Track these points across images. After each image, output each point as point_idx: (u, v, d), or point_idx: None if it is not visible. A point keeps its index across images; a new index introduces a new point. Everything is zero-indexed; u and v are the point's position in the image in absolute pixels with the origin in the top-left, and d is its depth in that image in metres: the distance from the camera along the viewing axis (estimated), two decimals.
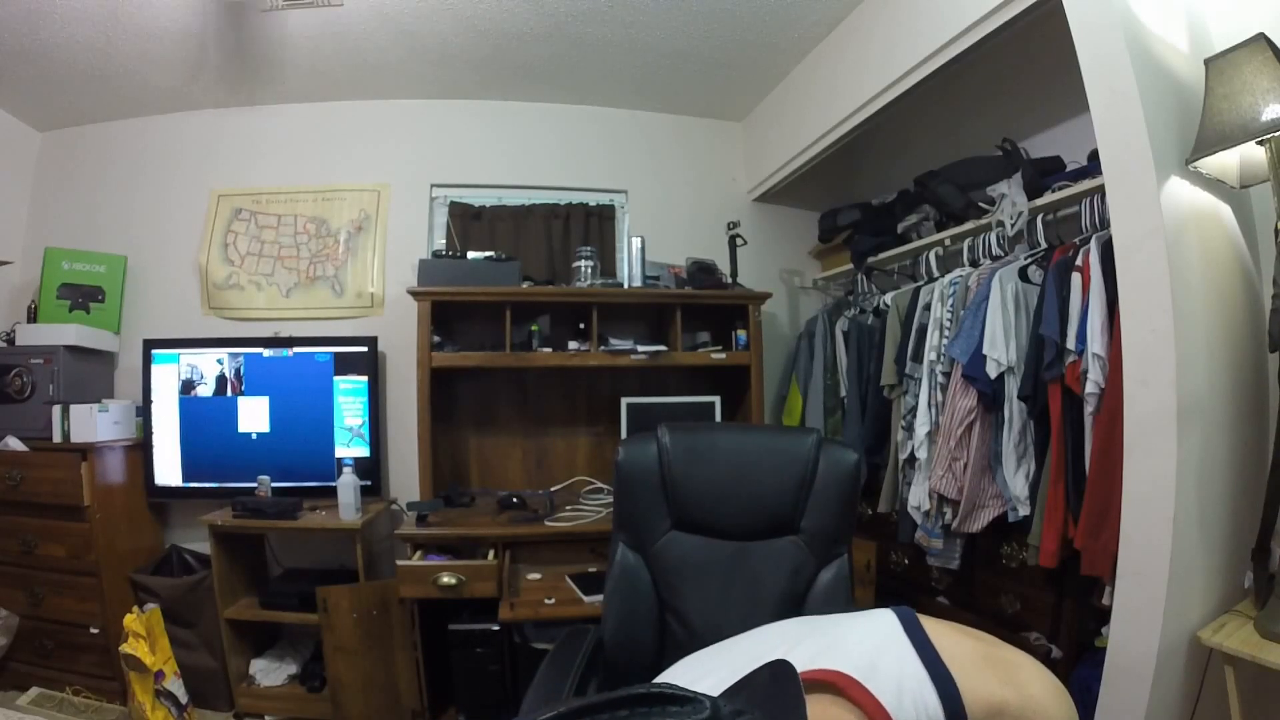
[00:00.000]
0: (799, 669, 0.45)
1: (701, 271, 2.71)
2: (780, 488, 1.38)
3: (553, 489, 2.64)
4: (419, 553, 2.18)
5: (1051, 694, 0.51)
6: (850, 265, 2.91)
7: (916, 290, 2.33)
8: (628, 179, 3.14)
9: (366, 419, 2.69)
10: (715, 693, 0.38)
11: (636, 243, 2.69)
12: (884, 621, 0.54)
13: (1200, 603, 1.40)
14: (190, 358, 2.68)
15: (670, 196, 3.18)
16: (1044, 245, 1.97)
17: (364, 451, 2.68)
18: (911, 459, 2.21)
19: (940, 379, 2.09)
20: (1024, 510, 1.86)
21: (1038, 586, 1.91)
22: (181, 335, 2.75)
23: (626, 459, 1.42)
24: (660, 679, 0.59)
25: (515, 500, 2.40)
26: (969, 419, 1.95)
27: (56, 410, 2.43)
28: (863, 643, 0.53)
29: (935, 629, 0.53)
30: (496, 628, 2.07)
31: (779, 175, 2.99)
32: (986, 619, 2.06)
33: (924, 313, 2.23)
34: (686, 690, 0.35)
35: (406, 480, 2.72)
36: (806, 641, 0.55)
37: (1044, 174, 2.05)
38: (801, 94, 2.74)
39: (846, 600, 1.34)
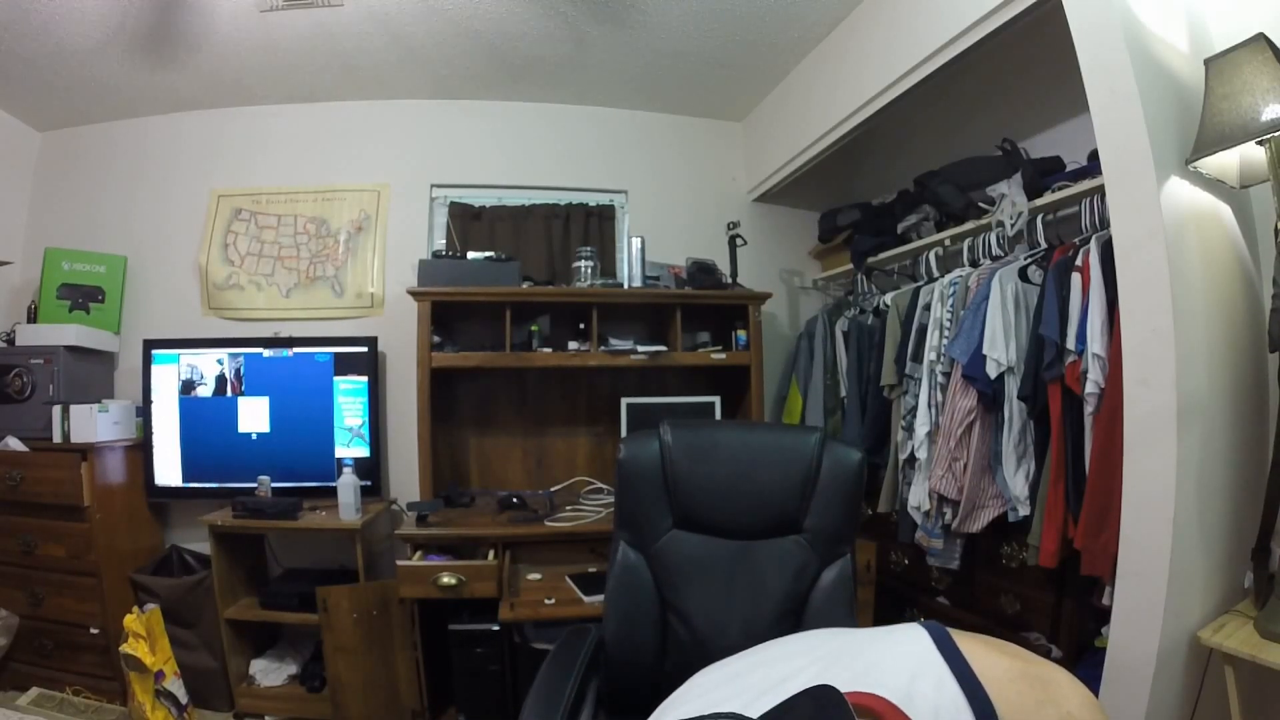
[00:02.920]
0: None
1: (701, 271, 2.71)
2: (783, 486, 1.37)
3: (553, 489, 2.64)
4: (419, 553, 2.18)
5: (1090, 710, 0.51)
6: (850, 265, 2.91)
7: (916, 290, 2.33)
8: (628, 179, 3.14)
9: (366, 419, 2.69)
10: None
11: (636, 243, 2.69)
12: (918, 641, 0.54)
13: (1200, 603, 1.40)
14: (190, 358, 2.68)
15: (670, 197, 3.17)
16: (1044, 245, 1.98)
17: (364, 452, 2.68)
18: (911, 459, 2.21)
19: (940, 379, 2.09)
20: (1024, 510, 1.86)
21: (1038, 586, 1.92)
22: (181, 335, 2.75)
23: (628, 456, 1.41)
24: (673, 700, 0.58)
25: (515, 500, 2.40)
26: (969, 419, 1.95)
27: (56, 410, 2.43)
28: (899, 665, 0.52)
29: (970, 646, 0.53)
30: (496, 628, 2.06)
31: (779, 175, 2.99)
32: (987, 619, 2.06)
33: (924, 313, 2.23)
34: (740, 715, 0.34)
35: (406, 480, 2.72)
36: (840, 663, 0.54)
37: (1044, 174, 2.05)
38: (801, 94, 2.74)
39: (849, 600, 1.34)
